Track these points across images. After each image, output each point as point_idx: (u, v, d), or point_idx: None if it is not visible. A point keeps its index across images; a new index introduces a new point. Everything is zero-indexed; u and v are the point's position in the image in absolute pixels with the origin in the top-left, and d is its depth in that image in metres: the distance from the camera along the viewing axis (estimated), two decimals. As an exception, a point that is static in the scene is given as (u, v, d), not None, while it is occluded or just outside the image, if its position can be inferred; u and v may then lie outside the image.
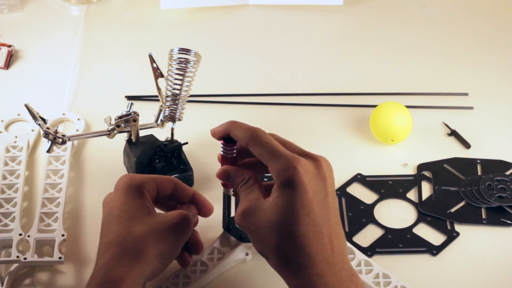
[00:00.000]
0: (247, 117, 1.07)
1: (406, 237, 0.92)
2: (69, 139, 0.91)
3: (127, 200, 0.78)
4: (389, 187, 0.98)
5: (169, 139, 0.98)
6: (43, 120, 0.90)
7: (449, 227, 0.93)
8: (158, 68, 0.94)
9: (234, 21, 1.26)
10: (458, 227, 0.93)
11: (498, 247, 0.91)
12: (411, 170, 1.00)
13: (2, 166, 0.97)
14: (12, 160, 0.99)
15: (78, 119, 1.05)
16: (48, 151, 0.90)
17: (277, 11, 1.28)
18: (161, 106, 0.95)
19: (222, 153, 0.77)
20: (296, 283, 0.70)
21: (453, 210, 0.94)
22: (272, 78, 1.16)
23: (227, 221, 0.89)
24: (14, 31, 1.22)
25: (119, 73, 1.16)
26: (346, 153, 1.03)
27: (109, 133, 0.94)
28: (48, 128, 0.90)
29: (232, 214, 0.92)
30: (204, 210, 0.84)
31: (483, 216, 0.94)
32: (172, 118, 0.94)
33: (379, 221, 0.94)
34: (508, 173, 0.99)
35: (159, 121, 0.96)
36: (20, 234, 0.89)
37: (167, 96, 0.93)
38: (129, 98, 1.10)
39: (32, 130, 1.04)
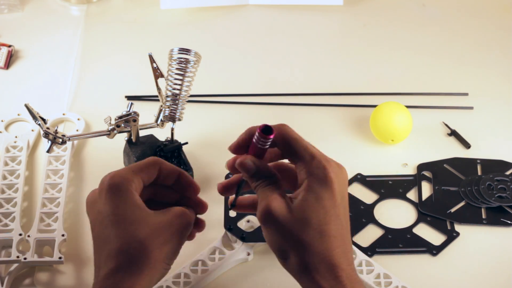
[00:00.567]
0: (247, 117, 1.08)
1: (406, 237, 0.92)
2: (69, 139, 0.91)
3: (119, 203, 0.71)
4: (389, 187, 0.98)
5: (169, 139, 0.98)
6: (43, 120, 0.90)
7: (449, 227, 0.93)
8: (158, 68, 0.94)
9: (234, 21, 1.26)
10: (458, 227, 0.93)
11: (498, 247, 0.91)
12: (411, 170, 1.00)
13: (2, 166, 0.97)
14: (12, 160, 0.99)
15: (78, 119, 1.05)
16: (48, 151, 0.90)
17: (277, 11, 1.28)
18: (161, 106, 0.95)
19: (256, 143, 0.70)
20: (322, 285, 0.67)
21: (453, 210, 0.94)
22: (272, 78, 1.16)
23: (228, 221, 0.89)
24: (14, 31, 1.22)
25: (119, 73, 1.16)
26: (346, 153, 1.03)
27: (109, 133, 0.94)
28: (48, 128, 0.90)
29: (231, 213, 0.92)
30: (200, 208, 0.78)
31: (483, 216, 0.94)
32: (172, 118, 0.94)
33: (379, 221, 0.94)
34: (508, 173, 0.99)
35: (159, 121, 0.96)
36: (20, 234, 0.89)
37: (167, 96, 0.93)
38: (129, 98, 1.10)
39: (32, 130, 1.04)
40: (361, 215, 0.94)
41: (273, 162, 0.73)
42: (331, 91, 1.12)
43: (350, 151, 1.03)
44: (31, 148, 1.02)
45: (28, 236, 0.89)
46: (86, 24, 1.24)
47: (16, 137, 1.02)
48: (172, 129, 0.96)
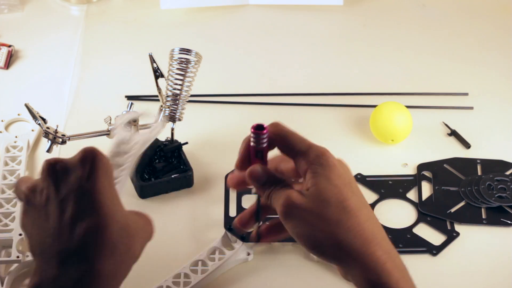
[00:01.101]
0: (247, 117, 1.08)
1: (406, 237, 0.92)
2: (69, 139, 0.91)
3: (106, 184, 0.63)
4: (389, 187, 0.98)
5: (169, 139, 0.98)
6: (43, 120, 0.90)
7: (449, 227, 0.93)
8: (158, 68, 0.94)
9: (234, 21, 1.26)
10: (458, 227, 0.93)
11: (498, 247, 0.91)
12: (411, 170, 1.00)
13: (2, 166, 0.97)
14: (12, 160, 0.99)
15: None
16: (48, 151, 0.90)
17: (277, 11, 1.27)
18: (161, 106, 0.95)
19: (252, 143, 0.68)
20: (361, 265, 0.64)
21: (453, 210, 0.94)
22: (272, 78, 1.16)
23: (228, 221, 0.89)
24: (14, 31, 1.22)
25: (119, 73, 1.16)
26: (346, 153, 1.01)
27: (109, 133, 0.94)
28: (48, 128, 0.90)
29: (231, 213, 0.92)
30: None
31: (483, 216, 0.94)
32: (172, 118, 0.94)
33: (379, 221, 0.93)
34: (508, 173, 0.98)
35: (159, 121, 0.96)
36: (20, 234, 0.89)
37: (167, 96, 0.93)
38: (129, 98, 1.10)
39: (32, 130, 1.04)
40: None
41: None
42: (331, 91, 1.12)
43: (350, 151, 1.03)
44: (31, 148, 1.02)
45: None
46: (86, 24, 1.24)
47: (16, 137, 1.02)
48: (172, 129, 0.96)
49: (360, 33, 1.25)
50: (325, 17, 1.27)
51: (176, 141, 0.98)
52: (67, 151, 1.00)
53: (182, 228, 0.93)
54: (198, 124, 1.06)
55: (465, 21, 1.26)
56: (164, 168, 0.97)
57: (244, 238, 0.88)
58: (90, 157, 0.63)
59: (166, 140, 0.98)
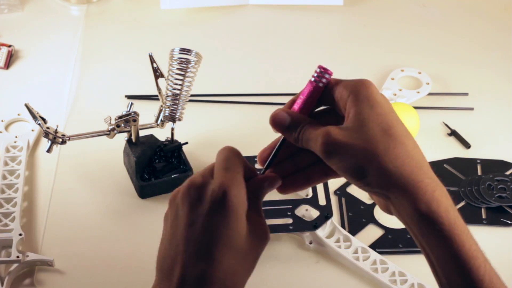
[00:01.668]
0: (247, 117, 1.08)
1: (406, 237, 0.92)
2: (69, 139, 0.91)
3: (225, 227, 0.63)
4: (389, 187, 0.97)
5: (169, 139, 0.98)
6: (43, 120, 0.90)
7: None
8: (158, 68, 0.94)
9: (234, 21, 1.26)
10: (458, 227, 0.93)
11: (498, 247, 0.91)
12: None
13: (2, 166, 0.97)
14: (12, 160, 0.99)
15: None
16: (48, 151, 0.90)
17: (277, 11, 1.28)
18: (161, 106, 0.95)
19: (313, 78, 0.66)
20: (406, 193, 0.61)
21: (453, 210, 0.94)
22: (272, 77, 1.16)
23: None
24: (14, 31, 1.22)
25: (119, 73, 1.16)
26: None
27: (109, 133, 0.94)
28: (48, 128, 0.90)
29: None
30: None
31: (483, 216, 0.94)
32: (172, 118, 0.94)
33: (379, 221, 0.93)
34: (508, 173, 0.98)
35: (159, 121, 0.96)
36: (20, 234, 0.89)
37: (167, 96, 0.93)
38: (129, 97, 1.10)
39: (32, 130, 1.04)
40: (361, 215, 0.94)
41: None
42: (331, 91, 1.12)
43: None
44: (31, 148, 1.02)
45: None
46: (86, 24, 1.24)
47: (16, 137, 1.02)
48: (172, 129, 0.96)
49: (360, 33, 1.25)
50: (325, 17, 1.27)
51: (176, 141, 0.98)
52: (67, 151, 1.01)
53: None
54: (198, 124, 1.06)
55: (465, 21, 1.26)
56: (164, 168, 0.97)
57: None
58: (221, 193, 0.62)
59: (166, 140, 0.98)
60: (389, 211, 0.64)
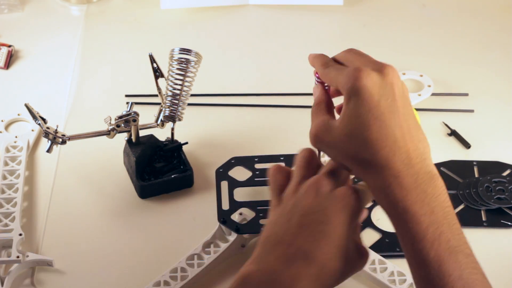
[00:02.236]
0: (247, 117, 1.08)
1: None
2: (69, 139, 0.91)
3: (346, 227, 0.69)
4: (388, 188, 0.97)
5: (169, 139, 0.98)
6: (43, 120, 0.90)
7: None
8: (158, 68, 0.94)
9: (234, 21, 1.26)
10: (457, 229, 0.93)
11: (499, 249, 0.91)
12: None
13: (2, 166, 0.98)
14: (12, 160, 0.99)
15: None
16: (48, 151, 0.90)
17: (277, 11, 1.28)
18: (161, 106, 0.95)
19: (317, 80, 0.77)
20: (375, 185, 0.70)
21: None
22: (272, 78, 1.16)
23: (222, 214, 0.89)
24: (14, 31, 1.22)
25: (119, 73, 1.16)
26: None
27: (109, 133, 0.94)
28: (48, 128, 0.90)
29: (225, 206, 0.92)
30: None
31: (483, 219, 0.94)
32: (172, 118, 0.94)
33: (377, 225, 0.93)
34: (505, 174, 0.98)
35: (159, 121, 0.96)
36: (20, 234, 0.89)
37: (167, 96, 0.93)
38: (129, 97, 1.10)
39: (32, 130, 1.04)
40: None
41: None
42: (331, 91, 1.12)
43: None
44: (31, 148, 1.02)
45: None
46: (86, 24, 1.24)
47: (16, 137, 1.02)
48: (172, 129, 0.96)
49: (360, 33, 1.25)
50: (325, 17, 1.27)
51: (176, 141, 0.98)
52: (67, 151, 1.01)
53: (182, 227, 0.93)
54: (198, 124, 1.06)
55: (465, 21, 1.26)
56: (164, 168, 0.97)
57: (239, 230, 0.88)
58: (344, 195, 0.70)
59: (166, 140, 0.98)
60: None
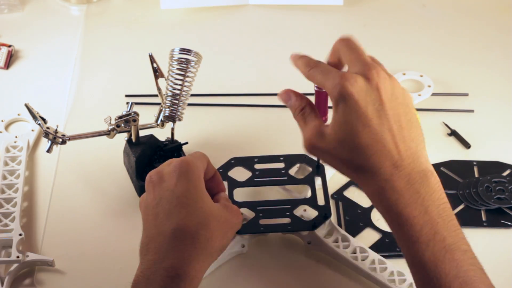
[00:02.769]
0: (247, 117, 1.08)
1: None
2: (69, 139, 0.91)
3: (191, 187, 0.76)
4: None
5: (169, 139, 0.98)
6: (43, 120, 0.90)
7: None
8: (158, 68, 0.94)
9: (234, 21, 1.26)
10: (457, 230, 0.93)
11: (499, 249, 0.91)
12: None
13: (2, 166, 0.98)
14: (12, 160, 0.99)
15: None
16: (48, 151, 0.90)
17: (277, 11, 1.28)
18: (161, 106, 0.95)
19: (315, 88, 0.80)
20: (370, 190, 0.72)
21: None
22: (272, 78, 1.16)
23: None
24: (14, 31, 1.22)
25: (119, 73, 1.16)
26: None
27: (109, 133, 0.94)
28: (48, 128, 0.90)
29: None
30: (220, 189, 0.84)
31: (483, 219, 0.94)
32: (172, 118, 0.94)
33: (376, 225, 0.93)
34: (505, 174, 0.98)
35: (159, 121, 0.96)
36: (20, 234, 0.89)
37: (167, 96, 0.93)
38: (129, 97, 1.10)
39: (32, 130, 1.04)
40: (358, 219, 0.94)
41: None
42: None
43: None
44: (31, 148, 1.02)
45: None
46: (86, 24, 1.24)
47: (16, 137, 1.02)
48: (172, 129, 0.96)
49: (360, 33, 1.24)
50: (325, 17, 1.27)
51: (176, 141, 0.98)
52: (67, 151, 1.01)
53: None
54: (198, 124, 1.06)
55: (465, 21, 1.26)
56: (164, 168, 0.97)
57: (239, 230, 0.88)
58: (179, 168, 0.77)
59: (166, 140, 0.98)
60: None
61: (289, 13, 1.27)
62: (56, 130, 0.90)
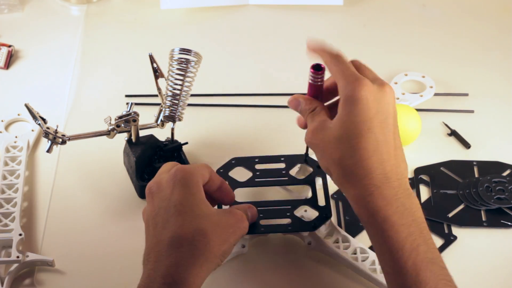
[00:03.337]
0: (247, 118, 1.08)
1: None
2: (69, 139, 0.91)
3: (189, 195, 0.76)
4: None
5: (169, 139, 0.98)
6: (43, 120, 0.90)
7: (446, 231, 0.92)
8: (158, 68, 0.94)
9: (234, 21, 1.26)
10: (458, 231, 0.92)
11: (499, 249, 0.91)
12: (409, 174, 1.00)
13: (2, 166, 0.98)
14: (12, 160, 0.99)
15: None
16: (48, 151, 0.90)
17: (277, 11, 1.28)
18: (161, 106, 0.95)
19: (310, 80, 0.81)
20: (354, 193, 0.73)
21: (453, 213, 0.94)
22: (272, 78, 1.16)
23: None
24: (14, 31, 1.22)
25: (119, 73, 1.16)
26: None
27: (109, 133, 0.94)
28: (48, 128, 0.90)
29: (225, 207, 0.92)
30: (228, 199, 0.85)
31: (483, 219, 0.94)
32: (172, 118, 0.94)
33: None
34: (505, 174, 0.98)
35: (159, 121, 0.96)
36: (20, 234, 0.89)
37: (167, 96, 0.93)
38: (129, 97, 1.10)
39: (32, 130, 1.04)
40: (358, 219, 0.93)
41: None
42: (331, 92, 1.12)
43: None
44: (31, 148, 1.02)
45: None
46: (86, 24, 1.24)
47: (16, 137, 1.02)
48: (172, 129, 0.96)
49: (360, 33, 1.25)
50: (325, 17, 1.27)
51: (176, 141, 0.98)
52: (67, 151, 1.01)
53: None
54: (198, 124, 1.06)
55: (465, 21, 1.26)
56: (164, 168, 0.97)
57: None
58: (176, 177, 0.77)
59: (166, 140, 0.98)
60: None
61: (289, 13, 1.27)
62: (56, 130, 0.90)
